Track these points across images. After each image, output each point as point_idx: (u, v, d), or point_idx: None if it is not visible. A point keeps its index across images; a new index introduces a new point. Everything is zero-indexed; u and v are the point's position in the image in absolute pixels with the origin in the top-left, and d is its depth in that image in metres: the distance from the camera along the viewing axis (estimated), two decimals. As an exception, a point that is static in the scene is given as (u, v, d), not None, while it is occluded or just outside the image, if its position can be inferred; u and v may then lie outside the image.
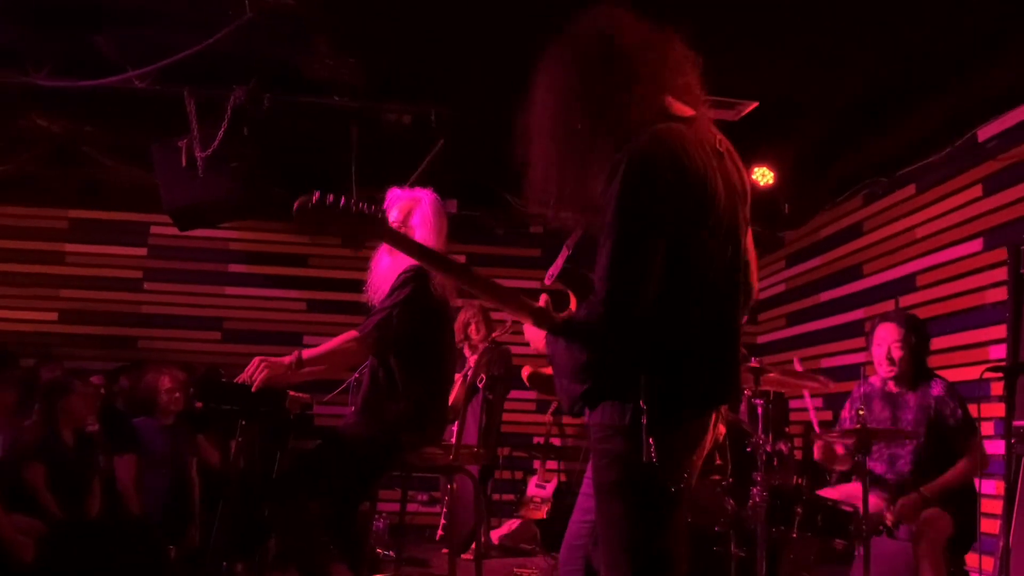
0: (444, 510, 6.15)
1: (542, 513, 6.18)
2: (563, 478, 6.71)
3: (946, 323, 5.07)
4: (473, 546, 5.16)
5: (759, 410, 3.67)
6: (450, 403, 3.76)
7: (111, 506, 4.56)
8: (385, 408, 3.20)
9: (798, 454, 6.18)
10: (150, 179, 5.47)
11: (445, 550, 5.67)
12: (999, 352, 4.56)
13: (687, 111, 1.94)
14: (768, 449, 3.62)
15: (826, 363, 6.42)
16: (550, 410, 7.13)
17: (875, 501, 3.54)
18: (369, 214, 1.93)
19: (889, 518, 3.53)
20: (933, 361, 4.08)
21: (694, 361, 1.82)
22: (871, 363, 3.87)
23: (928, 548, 3.40)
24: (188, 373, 5.38)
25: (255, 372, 3.02)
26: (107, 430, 4.76)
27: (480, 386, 5.50)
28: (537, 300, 1.94)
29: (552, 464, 6.75)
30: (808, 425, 6.38)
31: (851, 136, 5.40)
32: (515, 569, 5.05)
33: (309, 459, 3.27)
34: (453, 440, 3.53)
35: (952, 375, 3.92)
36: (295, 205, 1.89)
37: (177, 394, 5.00)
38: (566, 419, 7.26)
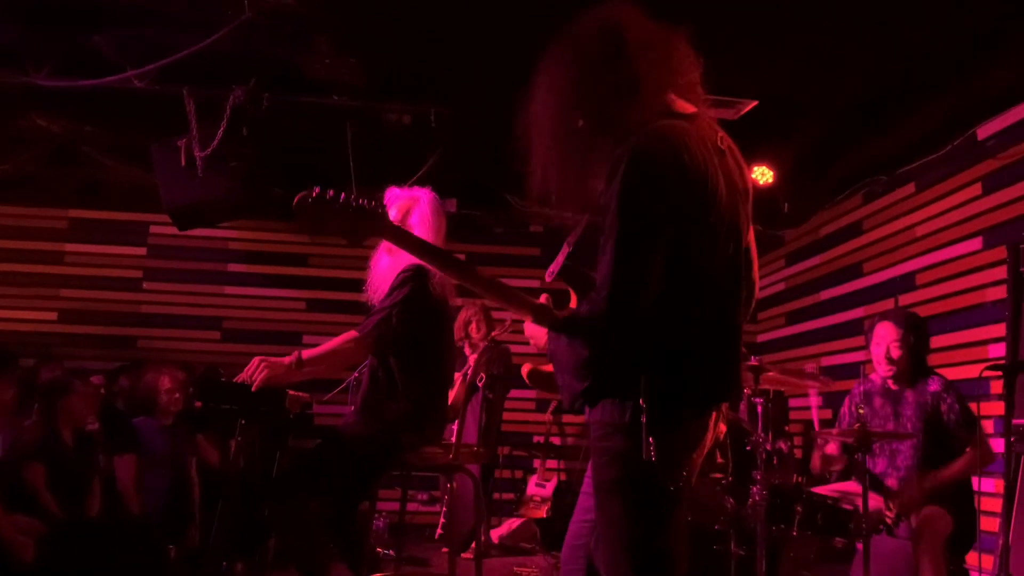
0: (443, 509, 6.16)
1: (542, 512, 6.18)
2: (563, 477, 6.72)
3: (945, 321, 5.08)
4: (473, 545, 5.16)
5: (759, 409, 3.67)
6: (450, 402, 3.76)
7: (111, 506, 4.55)
8: (385, 407, 3.20)
9: (798, 453, 6.18)
10: (149, 179, 5.47)
11: (445, 549, 5.67)
12: (998, 350, 4.57)
13: (689, 108, 1.93)
14: (768, 448, 3.63)
15: (826, 362, 6.42)
16: (550, 409, 7.13)
17: (875, 499, 3.55)
18: (369, 209, 1.92)
19: (889, 516, 3.53)
20: (933, 359, 4.08)
21: (694, 360, 1.81)
22: (871, 361, 3.87)
23: (928, 546, 3.41)
24: (187, 373, 5.38)
25: (255, 372, 3.02)
26: (107, 430, 4.76)
27: (480, 385, 5.51)
28: (537, 298, 1.94)
29: (552, 463, 6.76)
30: (808, 424, 6.39)
31: (851, 135, 5.40)
32: (515, 568, 5.05)
33: (309, 458, 3.26)
34: (453, 439, 3.53)
35: (952, 373, 3.92)
36: (295, 200, 1.89)
37: (177, 394, 5.00)
38: (566, 418, 7.27)
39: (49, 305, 7.27)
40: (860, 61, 4.50)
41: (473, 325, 5.67)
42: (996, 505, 4.15)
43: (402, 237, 2.05)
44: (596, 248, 1.79)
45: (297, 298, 7.58)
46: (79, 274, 7.36)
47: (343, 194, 1.90)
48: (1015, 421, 3.84)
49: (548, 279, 1.99)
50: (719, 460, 3.87)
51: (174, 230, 6.22)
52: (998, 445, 4.03)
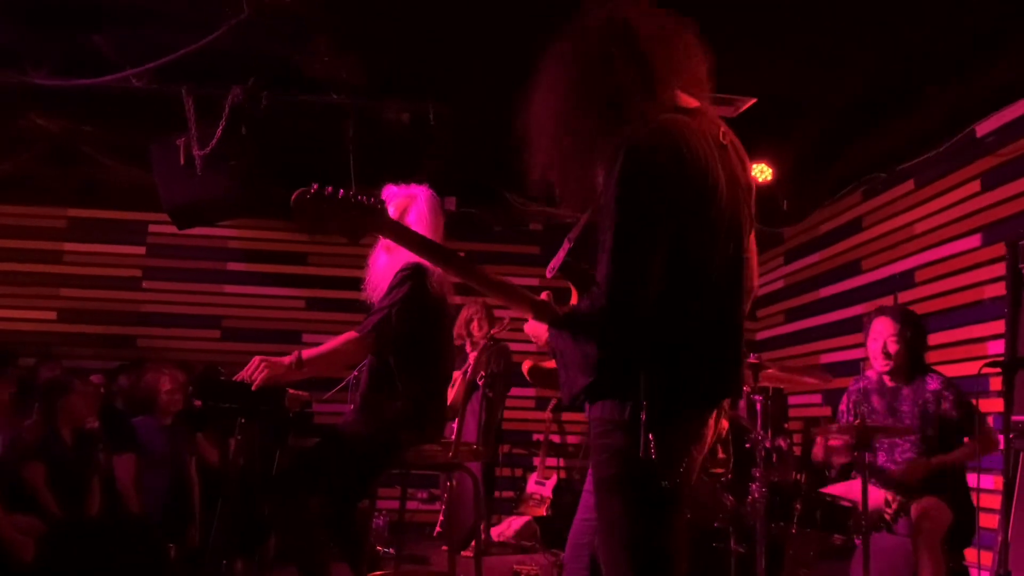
0: (443, 507, 6.16)
1: (542, 510, 6.18)
2: (563, 475, 6.73)
3: (945, 318, 5.08)
4: (473, 543, 5.16)
5: (758, 406, 3.68)
6: (450, 401, 3.76)
7: (111, 505, 4.54)
8: (384, 406, 3.20)
9: (797, 450, 6.18)
10: (148, 178, 5.46)
11: (445, 547, 5.68)
12: (997, 347, 4.57)
13: (692, 102, 1.91)
14: (767, 445, 3.63)
15: (825, 359, 6.42)
16: (550, 407, 7.13)
17: (875, 497, 3.55)
18: (368, 205, 1.92)
19: (888, 513, 3.54)
20: (932, 357, 4.08)
21: (694, 357, 1.80)
22: (868, 358, 3.88)
23: (927, 542, 3.41)
24: (187, 372, 5.37)
25: (255, 372, 3.01)
26: (107, 429, 4.75)
27: (480, 383, 5.50)
28: (538, 296, 1.93)
29: (552, 461, 6.76)
30: (808, 421, 6.40)
31: (850, 132, 5.40)
32: (515, 566, 5.05)
33: (308, 457, 3.26)
34: (453, 437, 3.53)
35: (951, 371, 3.93)
36: (293, 197, 1.88)
37: (176, 395, 5.00)
38: (566, 416, 7.27)
39: (48, 304, 7.27)
40: (860, 61, 4.50)
41: (475, 323, 5.67)
42: (995, 502, 4.15)
43: (402, 233, 2.04)
44: (597, 245, 1.77)
45: (296, 297, 7.58)
46: (78, 273, 7.36)
47: (342, 191, 1.89)
48: (1014, 418, 3.83)
49: (549, 275, 1.98)
50: (721, 455, 3.87)
51: (173, 229, 6.22)
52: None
